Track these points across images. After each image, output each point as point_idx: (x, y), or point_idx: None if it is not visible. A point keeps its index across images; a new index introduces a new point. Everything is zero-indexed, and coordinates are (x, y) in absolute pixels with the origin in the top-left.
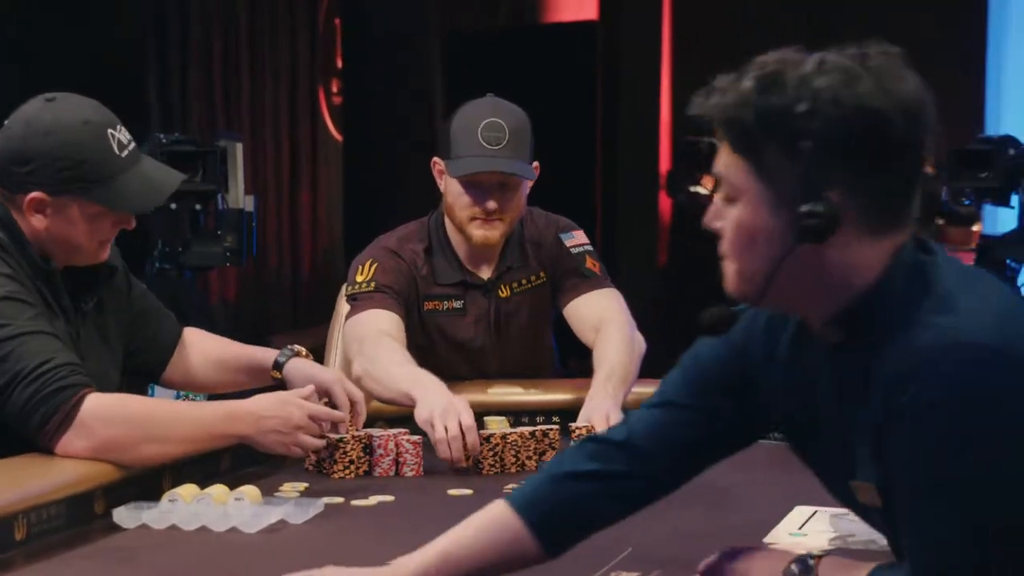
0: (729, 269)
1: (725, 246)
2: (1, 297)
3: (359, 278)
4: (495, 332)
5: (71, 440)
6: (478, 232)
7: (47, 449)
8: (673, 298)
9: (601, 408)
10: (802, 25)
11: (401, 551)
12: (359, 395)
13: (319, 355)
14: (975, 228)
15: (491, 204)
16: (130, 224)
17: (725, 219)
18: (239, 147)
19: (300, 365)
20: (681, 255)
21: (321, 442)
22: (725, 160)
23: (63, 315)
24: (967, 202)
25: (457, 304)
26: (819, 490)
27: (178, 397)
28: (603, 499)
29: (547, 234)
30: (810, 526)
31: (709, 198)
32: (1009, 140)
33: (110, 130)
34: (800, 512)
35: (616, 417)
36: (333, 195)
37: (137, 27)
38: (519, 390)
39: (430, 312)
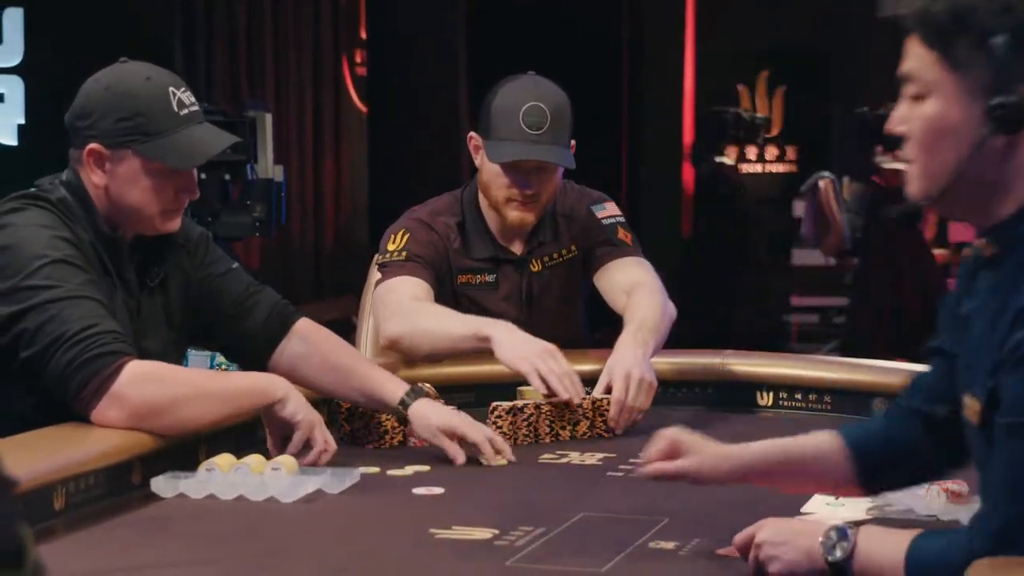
0: (913, 171)
1: (911, 148)
2: (56, 259)
3: (391, 247)
4: (527, 306)
5: (105, 409)
6: (514, 214)
7: (83, 416)
8: (697, 267)
9: (625, 360)
10: None
11: (438, 520)
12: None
13: (345, 325)
14: None
15: (528, 189)
16: (193, 192)
17: (911, 120)
18: (268, 117)
19: (425, 409)
20: (704, 225)
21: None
22: (916, 56)
23: (123, 287)
24: None
25: (489, 278)
26: None
27: (212, 366)
28: (918, 430)
29: (579, 207)
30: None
31: (734, 168)
32: None
33: (172, 88)
34: None
35: (640, 371)
36: (357, 165)
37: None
38: None
39: (463, 286)
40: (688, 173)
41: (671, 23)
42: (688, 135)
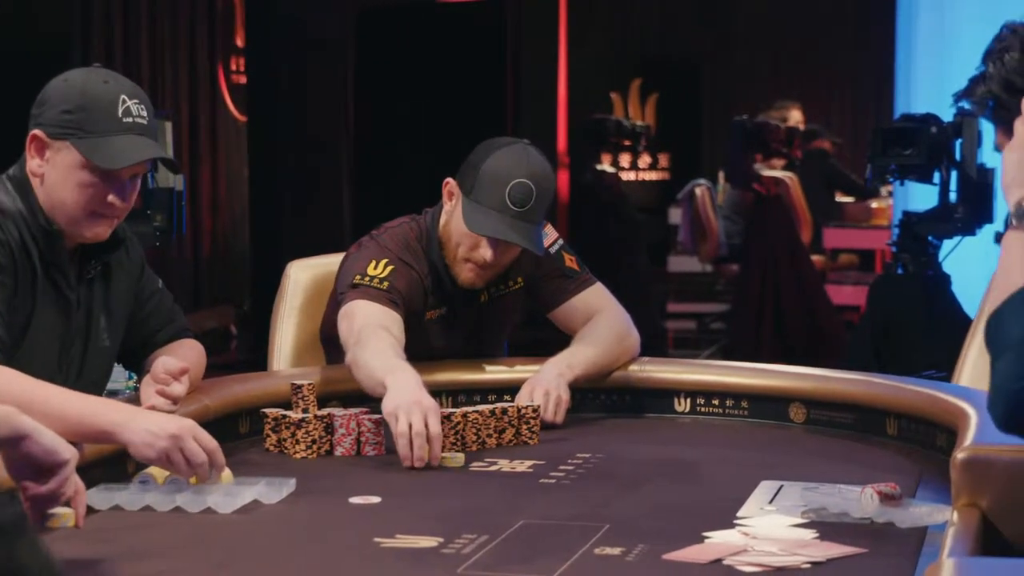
0: None
1: None
2: None
3: (372, 271)
4: (473, 338)
5: None
6: (467, 275)
7: None
8: None
9: (543, 382)
10: (699, 6)
11: (380, 529)
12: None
13: (224, 334)
14: (873, 204)
15: (490, 257)
16: (122, 197)
17: None
18: (168, 125)
19: None
20: (580, 232)
21: (203, 466)
22: None
23: (61, 282)
24: (891, 180)
25: (444, 311)
26: (780, 465)
27: (130, 378)
28: None
29: None
30: (780, 500)
31: (615, 176)
32: (931, 118)
33: (124, 96)
34: (766, 486)
35: (557, 394)
36: (234, 174)
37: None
38: (474, 369)
39: (429, 322)
40: (562, 180)
41: (545, 32)
42: (562, 142)
